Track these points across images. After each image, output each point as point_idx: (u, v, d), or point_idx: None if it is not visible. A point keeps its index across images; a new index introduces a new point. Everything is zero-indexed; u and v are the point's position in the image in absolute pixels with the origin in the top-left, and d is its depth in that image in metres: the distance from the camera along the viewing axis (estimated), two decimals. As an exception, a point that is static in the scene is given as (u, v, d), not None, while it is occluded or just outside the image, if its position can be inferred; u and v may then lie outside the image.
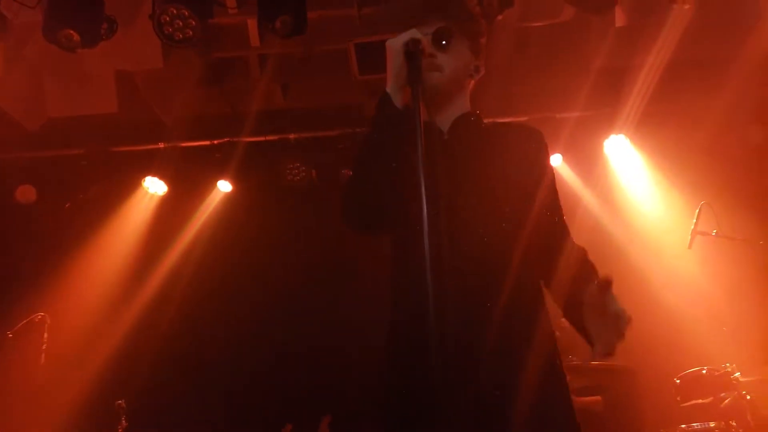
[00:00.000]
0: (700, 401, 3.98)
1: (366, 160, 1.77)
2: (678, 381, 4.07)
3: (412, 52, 1.69)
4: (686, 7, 4.14)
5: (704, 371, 4.00)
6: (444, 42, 1.81)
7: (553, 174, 1.97)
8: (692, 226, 4.26)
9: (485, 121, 1.98)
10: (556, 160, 5.67)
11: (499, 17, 3.96)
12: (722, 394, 3.90)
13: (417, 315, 1.60)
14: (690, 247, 4.26)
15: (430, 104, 1.75)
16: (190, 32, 3.99)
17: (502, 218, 1.78)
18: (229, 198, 5.78)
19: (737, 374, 3.84)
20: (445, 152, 1.83)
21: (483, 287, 1.71)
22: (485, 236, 1.75)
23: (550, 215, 1.90)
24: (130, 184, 5.64)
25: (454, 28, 1.84)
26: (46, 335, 4.42)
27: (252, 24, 4.90)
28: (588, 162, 5.61)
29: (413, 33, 1.72)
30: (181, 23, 3.96)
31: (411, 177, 1.55)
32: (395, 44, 1.73)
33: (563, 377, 1.77)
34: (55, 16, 3.91)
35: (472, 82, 1.96)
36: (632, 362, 4.16)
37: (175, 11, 3.92)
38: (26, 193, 5.52)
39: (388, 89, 1.76)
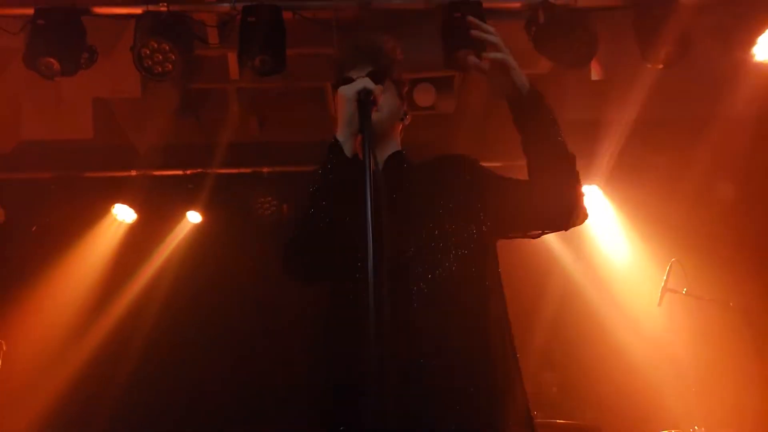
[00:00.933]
0: None
1: (314, 207, 1.78)
2: (644, 442, 4.03)
3: (363, 101, 1.76)
4: (659, 67, 4.24)
5: None
6: (377, 83, 1.85)
7: (489, 170, 2.04)
8: (662, 284, 4.29)
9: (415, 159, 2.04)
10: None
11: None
12: None
13: (354, 369, 1.64)
14: (660, 304, 4.28)
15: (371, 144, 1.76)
16: (170, 66, 3.98)
17: (449, 248, 1.79)
18: (198, 229, 5.73)
19: (706, 438, 3.82)
20: (382, 190, 1.83)
21: (431, 328, 1.70)
22: (429, 272, 1.75)
23: (509, 183, 1.97)
24: (99, 210, 5.59)
25: (385, 72, 1.94)
26: (0, 361, 4.32)
27: (232, 57, 4.91)
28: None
29: (366, 82, 1.80)
30: (161, 57, 3.95)
31: (354, 224, 1.62)
32: (348, 93, 1.79)
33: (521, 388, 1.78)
34: (37, 44, 3.90)
35: (401, 126, 2.04)
36: (600, 421, 4.13)
37: (155, 45, 3.91)
38: (-10, 216, 5.41)
39: (339, 136, 1.81)
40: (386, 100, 1.91)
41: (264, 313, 5.47)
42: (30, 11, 3.99)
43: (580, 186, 1.89)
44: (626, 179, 5.37)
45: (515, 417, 1.71)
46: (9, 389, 4.46)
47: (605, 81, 4.90)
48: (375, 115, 1.81)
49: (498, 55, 1.85)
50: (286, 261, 1.82)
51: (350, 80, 1.90)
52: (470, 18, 1.89)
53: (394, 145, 2.01)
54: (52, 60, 3.94)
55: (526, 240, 1.98)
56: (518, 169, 5.65)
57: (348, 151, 1.80)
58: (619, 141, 5.11)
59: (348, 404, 1.68)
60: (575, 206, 1.86)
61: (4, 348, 4.35)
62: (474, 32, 1.87)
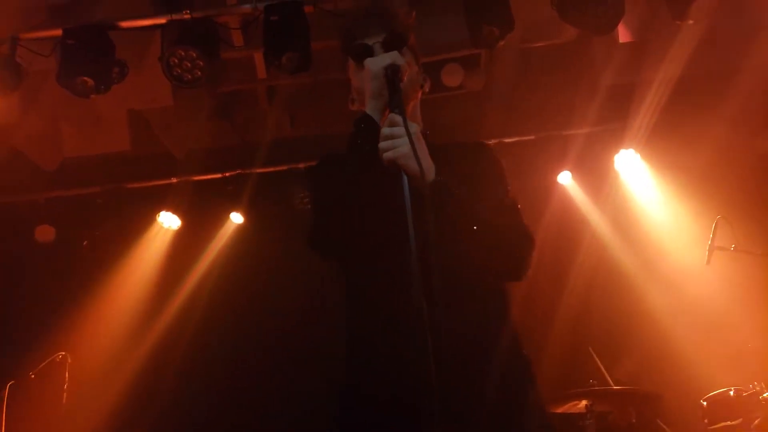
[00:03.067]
0: (729, 423, 3.83)
1: (346, 180, 1.72)
2: (705, 403, 3.94)
3: (392, 78, 1.68)
4: (690, 22, 4.14)
5: (732, 392, 3.87)
6: (396, 48, 1.78)
7: (503, 171, 1.93)
8: (709, 242, 4.19)
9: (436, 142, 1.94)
10: (565, 178, 5.67)
11: (501, 42, 3.97)
12: (752, 415, 3.76)
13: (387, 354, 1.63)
14: (708, 263, 4.18)
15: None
16: (199, 72, 4.05)
17: (466, 240, 1.71)
18: (242, 229, 5.83)
19: (766, 394, 3.74)
20: None
21: (472, 312, 1.67)
22: (452, 261, 1.64)
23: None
24: (145, 219, 5.72)
25: (402, 40, 1.85)
26: (67, 374, 4.49)
27: (258, 57, 4.96)
28: (598, 178, 5.59)
29: (394, 57, 1.72)
30: (189, 64, 4.03)
31: (389, 201, 1.53)
32: (375, 67, 1.70)
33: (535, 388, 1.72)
34: (69, 63, 4.02)
35: (420, 94, 1.95)
36: (657, 386, 4.09)
37: (183, 53, 3.99)
38: (45, 233, 5.61)
39: (368, 110, 1.72)
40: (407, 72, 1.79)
41: (312, 309, 5.51)
42: (58, 32, 4.12)
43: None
44: (663, 141, 5.27)
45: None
46: (76, 400, 4.62)
47: (634, 43, 4.80)
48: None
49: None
50: (318, 231, 1.78)
51: (364, 47, 1.83)
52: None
53: (415, 116, 1.91)
54: (86, 78, 4.06)
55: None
56: (552, 139, 5.59)
57: (379, 122, 1.69)
58: (654, 102, 5.01)
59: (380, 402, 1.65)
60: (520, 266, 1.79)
61: (69, 361, 4.50)
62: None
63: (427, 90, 1.97)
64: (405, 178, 1.53)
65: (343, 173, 1.72)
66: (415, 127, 1.61)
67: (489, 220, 1.71)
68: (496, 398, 1.60)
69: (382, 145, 1.59)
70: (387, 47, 1.80)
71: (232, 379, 5.44)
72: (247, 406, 5.35)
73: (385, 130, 1.60)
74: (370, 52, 1.81)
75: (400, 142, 1.57)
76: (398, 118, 1.60)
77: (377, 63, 1.71)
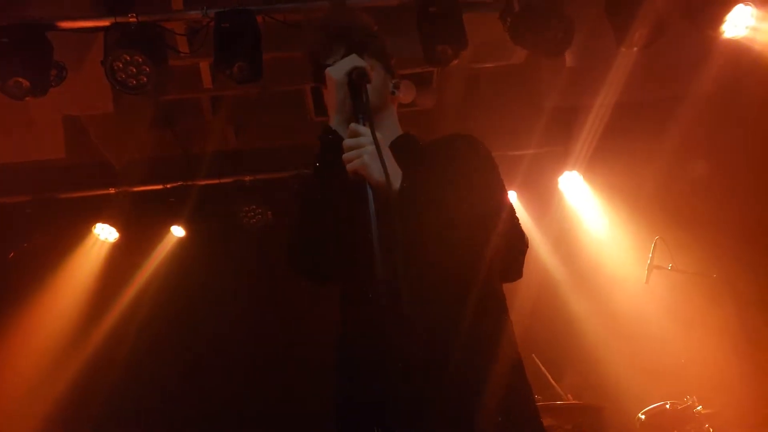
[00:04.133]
0: None
1: (314, 199, 1.70)
2: (643, 417, 4.11)
3: (355, 81, 1.63)
4: (634, 50, 4.29)
5: (667, 405, 4.06)
6: (359, 55, 1.73)
7: (489, 160, 1.85)
8: (648, 261, 4.36)
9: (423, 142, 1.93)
10: (511, 197, 5.76)
11: (455, 61, 4.01)
12: (686, 427, 3.95)
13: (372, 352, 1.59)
14: (647, 282, 4.35)
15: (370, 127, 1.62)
16: (145, 79, 3.88)
17: (458, 235, 1.65)
18: (184, 242, 5.65)
19: (699, 407, 3.91)
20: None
21: (444, 313, 1.62)
22: (442, 260, 1.63)
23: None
24: (80, 231, 5.47)
25: (364, 47, 1.81)
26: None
27: (204, 66, 4.84)
28: (543, 198, 5.72)
29: (353, 60, 1.67)
30: (134, 69, 3.86)
31: (360, 212, 1.49)
32: (337, 75, 1.66)
33: (528, 385, 1.71)
34: (3, 63, 3.78)
35: (394, 100, 1.92)
36: (599, 399, 4.19)
37: (128, 58, 3.82)
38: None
39: (333, 124, 1.69)
40: (373, 77, 1.74)
41: (256, 322, 5.42)
42: (-9, 31, 3.88)
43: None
44: (604, 163, 5.44)
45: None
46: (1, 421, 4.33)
47: (579, 68, 4.95)
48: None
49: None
50: (295, 261, 1.73)
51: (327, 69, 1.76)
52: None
53: (393, 126, 1.88)
54: (20, 79, 3.83)
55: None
56: (498, 159, 5.68)
57: (344, 135, 1.65)
58: (595, 126, 5.17)
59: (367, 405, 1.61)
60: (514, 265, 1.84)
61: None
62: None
63: (399, 96, 1.92)
64: (369, 188, 1.49)
65: (309, 191, 1.70)
66: (379, 137, 1.54)
67: (472, 221, 1.64)
68: (488, 404, 1.57)
69: (345, 156, 1.55)
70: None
71: (165, 398, 5.26)
72: (188, 424, 5.18)
73: (347, 141, 1.57)
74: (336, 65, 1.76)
75: (363, 151, 1.53)
76: (361, 128, 1.56)
77: (338, 71, 1.67)
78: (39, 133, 4.93)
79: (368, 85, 1.67)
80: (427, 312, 1.57)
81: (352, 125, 1.59)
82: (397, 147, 1.78)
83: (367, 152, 1.52)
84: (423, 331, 1.52)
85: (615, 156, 5.33)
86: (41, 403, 4.93)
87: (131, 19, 3.96)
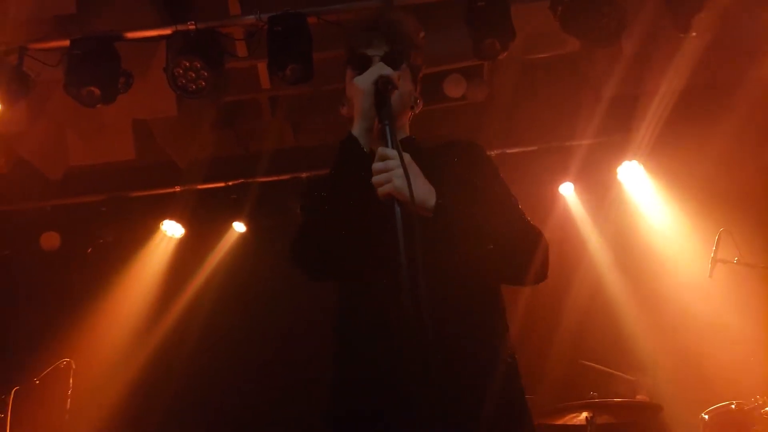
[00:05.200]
0: None
1: (329, 203, 1.70)
2: (706, 417, 3.93)
3: (381, 90, 1.66)
4: (693, 35, 4.14)
5: (733, 406, 3.86)
6: (395, 67, 1.76)
7: (497, 170, 1.90)
8: (712, 255, 4.19)
9: (427, 144, 1.95)
10: (567, 189, 5.67)
11: (503, 54, 3.99)
12: (753, 429, 3.75)
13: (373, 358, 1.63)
14: (711, 276, 4.17)
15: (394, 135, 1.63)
16: (203, 83, 4.08)
17: (471, 258, 1.68)
18: (244, 238, 5.85)
19: (767, 408, 3.73)
20: None
21: (448, 317, 1.64)
22: (442, 262, 1.65)
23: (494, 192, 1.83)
24: (149, 227, 5.76)
25: (402, 55, 1.83)
26: (71, 381, 4.51)
27: (262, 67, 5.00)
28: (601, 189, 5.59)
29: (382, 69, 1.70)
30: (193, 75, 4.06)
31: (373, 217, 1.55)
32: (365, 84, 1.68)
33: (520, 386, 1.72)
34: (76, 73, 4.05)
35: (411, 114, 1.94)
36: (658, 398, 4.07)
37: (188, 64, 4.02)
38: (50, 240, 5.65)
39: (355, 131, 1.70)
40: (401, 82, 1.77)
41: (313, 319, 5.52)
42: (66, 43, 4.15)
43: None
44: (666, 152, 5.27)
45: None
46: (79, 406, 4.63)
47: (637, 54, 4.81)
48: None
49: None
50: (300, 252, 1.73)
51: (363, 57, 1.82)
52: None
53: (402, 133, 1.92)
54: (93, 88, 4.09)
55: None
56: (553, 150, 5.58)
57: (365, 144, 1.69)
58: (656, 114, 5.02)
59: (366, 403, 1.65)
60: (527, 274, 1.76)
61: (74, 367, 4.53)
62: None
63: (417, 111, 1.94)
64: (397, 208, 1.51)
65: (325, 197, 1.72)
66: (408, 157, 1.58)
67: (498, 231, 1.67)
68: (489, 409, 1.60)
69: (376, 180, 1.57)
70: (386, 61, 1.78)
71: (234, 385, 5.47)
72: (250, 413, 5.38)
73: (376, 165, 1.58)
74: (368, 63, 1.80)
75: (394, 174, 1.55)
76: (389, 151, 1.58)
77: (367, 79, 1.70)
78: (111, 136, 5.22)
79: (396, 91, 1.72)
80: (444, 320, 1.59)
81: (381, 149, 1.60)
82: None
83: (398, 176, 1.54)
84: (439, 339, 1.50)
85: (677, 145, 5.15)
86: (112, 393, 5.23)
87: (191, 27, 4.16)
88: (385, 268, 1.66)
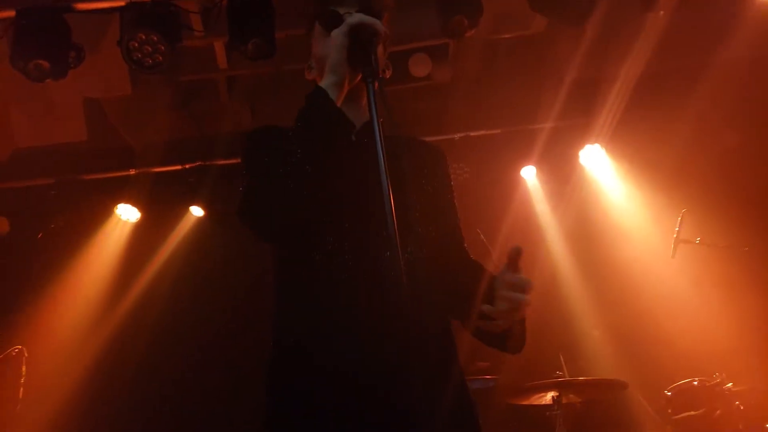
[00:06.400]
0: (692, 413, 3.89)
1: (290, 161, 1.49)
2: (669, 393, 4.01)
3: (365, 42, 1.50)
4: (660, 13, 4.17)
5: (695, 382, 3.94)
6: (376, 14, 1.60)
7: (452, 188, 1.88)
8: (674, 235, 4.25)
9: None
10: (529, 172, 5.68)
11: (471, 32, 3.94)
12: (714, 405, 3.82)
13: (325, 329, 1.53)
14: (673, 256, 4.24)
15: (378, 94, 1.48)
16: (160, 57, 3.91)
17: (411, 237, 1.61)
18: (202, 222, 5.70)
19: (729, 384, 3.79)
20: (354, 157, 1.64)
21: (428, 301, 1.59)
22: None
23: (458, 239, 1.82)
24: (103, 211, 5.55)
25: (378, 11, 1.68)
26: (24, 368, 4.32)
27: (219, 46, 4.83)
28: (563, 172, 5.62)
29: (364, 17, 1.54)
30: (150, 49, 3.89)
31: (328, 184, 1.45)
32: (339, 29, 1.54)
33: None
34: (23, 46, 3.82)
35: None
36: (623, 375, 4.11)
37: (144, 37, 3.84)
38: None
39: (324, 84, 1.53)
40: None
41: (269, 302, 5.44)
42: (11, 13, 3.92)
43: None
44: (628, 136, 5.31)
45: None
46: (32, 395, 4.44)
47: (600, 37, 4.83)
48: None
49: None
50: (253, 208, 1.56)
51: (335, 14, 1.65)
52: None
53: (363, 103, 1.73)
54: (41, 61, 3.87)
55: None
56: (516, 133, 5.56)
57: (335, 98, 1.52)
58: (619, 97, 5.05)
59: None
60: None
61: (26, 354, 4.33)
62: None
63: (387, 77, 1.78)
64: (380, 155, 1.38)
65: (289, 148, 1.51)
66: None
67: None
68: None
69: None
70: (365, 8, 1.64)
71: (191, 373, 5.33)
72: (207, 401, 5.28)
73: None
74: (338, 21, 1.62)
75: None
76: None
77: (344, 26, 1.54)
78: (60, 116, 4.98)
79: (379, 48, 1.58)
80: (417, 294, 1.53)
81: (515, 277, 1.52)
82: (364, 133, 1.70)
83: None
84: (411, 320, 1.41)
85: (639, 128, 5.20)
86: (66, 381, 5.03)
87: (144, -4, 3.98)
88: (354, 240, 1.56)
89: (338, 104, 1.55)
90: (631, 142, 5.29)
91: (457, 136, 5.45)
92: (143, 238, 5.62)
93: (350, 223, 1.59)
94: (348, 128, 1.60)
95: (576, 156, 5.57)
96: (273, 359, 1.63)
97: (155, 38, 3.84)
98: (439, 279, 1.69)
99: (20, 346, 4.24)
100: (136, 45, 3.84)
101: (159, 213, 5.66)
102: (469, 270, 1.74)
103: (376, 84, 1.49)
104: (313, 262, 1.58)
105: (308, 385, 1.52)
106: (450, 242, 1.79)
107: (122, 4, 3.98)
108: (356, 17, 1.55)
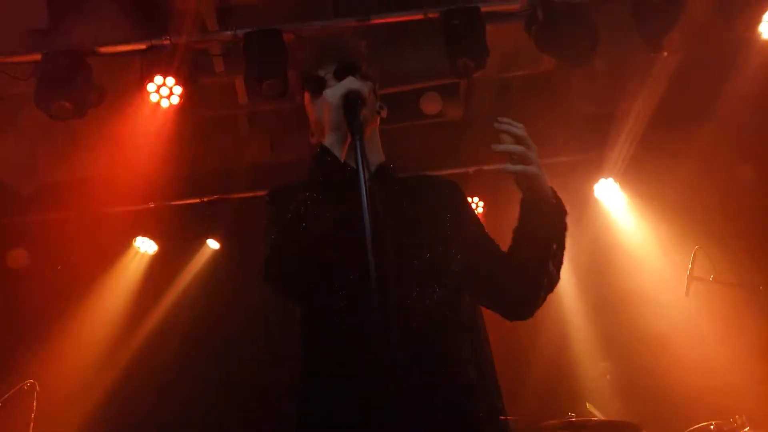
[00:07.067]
0: None
1: (307, 218, 1.61)
2: (686, 437, 3.94)
3: (352, 103, 1.67)
4: (665, 54, 4.20)
5: (712, 426, 3.85)
6: (350, 73, 1.77)
7: (476, 215, 1.97)
8: (688, 273, 4.21)
9: (402, 174, 1.95)
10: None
11: (477, 73, 4.02)
12: None
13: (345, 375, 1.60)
14: (687, 294, 4.19)
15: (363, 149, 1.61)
16: (178, 98, 4.05)
17: (432, 274, 1.70)
18: (219, 255, 5.78)
19: (746, 429, 3.70)
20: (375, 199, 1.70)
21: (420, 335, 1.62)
22: (416, 292, 1.66)
23: (488, 245, 1.88)
24: (121, 244, 5.66)
25: (356, 66, 1.84)
26: (35, 404, 4.36)
27: (239, 82, 4.97)
28: (578, 207, 5.61)
29: (351, 83, 1.71)
30: (168, 90, 4.03)
31: (348, 235, 1.50)
32: (333, 98, 1.68)
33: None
34: (47, 87, 3.99)
35: (377, 122, 1.92)
36: (637, 417, 4.05)
37: (162, 79, 3.98)
38: (18, 258, 5.51)
39: (327, 143, 1.68)
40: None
41: (289, 332, 5.47)
42: (37, 57, 4.09)
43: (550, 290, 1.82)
44: (641, 170, 5.32)
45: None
46: (43, 426, 4.50)
47: (611, 73, 4.87)
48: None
49: (521, 169, 1.74)
50: (277, 270, 1.66)
51: (317, 78, 1.83)
52: (498, 120, 1.76)
53: (375, 142, 1.91)
54: (64, 103, 4.03)
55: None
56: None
57: (339, 155, 1.67)
58: (631, 132, 5.07)
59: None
60: (536, 305, 1.82)
61: (38, 389, 4.38)
62: (500, 128, 1.77)
63: (384, 116, 1.92)
64: (365, 201, 1.47)
65: (300, 208, 1.64)
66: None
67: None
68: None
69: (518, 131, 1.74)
70: (338, 76, 1.79)
71: (207, 406, 5.38)
72: (223, 429, 5.28)
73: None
74: (323, 84, 1.81)
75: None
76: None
77: (335, 93, 1.69)
78: (84, 151, 5.13)
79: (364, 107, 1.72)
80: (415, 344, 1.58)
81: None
82: (377, 176, 1.83)
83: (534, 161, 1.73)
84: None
85: (652, 163, 5.21)
86: (77, 416, 5.07)
87: (165, 42, 4.13)
88: (360, 290, 1.61)
89: (344, 156, 1.69)
90: (644, 177, 5.29)
91: (470, 169, 5.50)
92: (160, 271, 5.72)
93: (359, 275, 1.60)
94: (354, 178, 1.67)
95: (589, 190, 5.58)
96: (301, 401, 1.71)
97: (173, 80, 3.98)
98: (485, 298, 1.82)
99: (32, 381, 4.30)
100: (155, 87, 3.99)
101: (176, 245, 5.76)
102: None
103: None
104: (336, 308, 1.68)
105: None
106: (486, 260, 1.84)
107: (143, 47, 4.13)
108: (345, 84, 1.71)
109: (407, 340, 1.51)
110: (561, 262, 1.80)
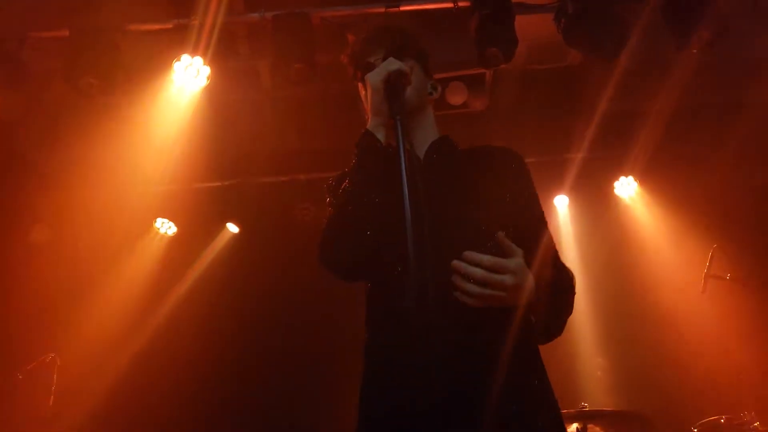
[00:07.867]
0: None
1: (353, 200, 1.69)
2: (695, 430, 3.95)
3: (393, 84, 1.69)
4: (693, 51, 4.18)
5: (722, 420, 3.84)
6: (398, 57, 1.79)
7: (532, 182, 1.91)
8: (705, 271, 4.21)
9: (461, 147, 1.95)
10: (562, 202, 5.70)
11: (504, 63, 4.01)
12: None
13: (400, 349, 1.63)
14: (703, 291, 4.19)
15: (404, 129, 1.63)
16: (206, 79, 4.07)
17: (486, 243, 1.67)
18: (238, 238, 5.82)
19: (756, 424, 3.72)
20: (423, 180, 1.71)
21: (470, 318, 1.62)
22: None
23: (530, 216, 1.87)
24: (142, 224, 5.70)
25: (403, 49, 1.87)
26: (55, 376, 4.43)
27: (264, 67, 4.98)
28: (597, 203, 5.62)
29: (391, 64, 1.72)
30: (196, 71, 4.05)
31: (394, 213, 1.52)
32: (374, 79, 1.71)
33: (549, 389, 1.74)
34: (76, 64, 4.02)
35: (433, 102, 1.95)
36: (647, 409, 4.07)
37: (190, 60, 4.00)
38: (40, 233, 5.56)
39: (370, 127, 1.73)
40: (413, 79, 1.81)
41: (307, 317, 5.50)
42: (66, 33, 4.12)
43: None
44: (661, 169, 5.31)
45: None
46: (62, 402, 4.56)
47: (636, 70, 4.85)
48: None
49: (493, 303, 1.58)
50: (328, 251, 1.72)
51: (366, 64, 1.85)
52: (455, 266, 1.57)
53: (431, 129, 1.91)
54: (91, 79, 4.06)
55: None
56: (552, 164, 5.58)
57: (381, 138, 1.72)
58: (654, 131, 5.06)
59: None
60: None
61: (58, 362, 4.45)
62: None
63: (436, 97, 1.96)
64: (404, 181, 1.49)
65: (345, 192, 1.72)
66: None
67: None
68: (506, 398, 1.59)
69: (476, 291, 1.52)
70: (385, 59, 1.80)
71: (222, 386, 5.42)
72: (238, 414, 5.34)
73: (478, 275, 1.53)
74: (371, 69, 1.80)
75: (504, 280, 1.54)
76: (475, 256, 1.53)
77: (376, 75, 1.72)
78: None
79: (408, 87, 1.75)
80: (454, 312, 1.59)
81: (457, 263, 1.55)
82: (433, 150, 1.86)
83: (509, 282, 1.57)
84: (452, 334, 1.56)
85: (673, 162, 5.20)
86: (96, 391, 5.13)
87: (194, 22, 4.15)
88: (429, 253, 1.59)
89: (387, 139, 1.74)
90: (665, 176, 5.28)
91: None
92: (179, 252, 5.76)
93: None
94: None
95: (609, 187, 5.58)
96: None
97: (201, 61, 4.01)
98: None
99: (53, 354, 4.36)
100: (183, 67, 4.01)
101: (195, 228, 5.80)
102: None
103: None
104: (386, 290, 1.72)
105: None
106: (527, 237, 1.82)
107: (170, 26, 4.16)
108: (385, 66, 1.73)
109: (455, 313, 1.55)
110: (571, 307, 1.82)
